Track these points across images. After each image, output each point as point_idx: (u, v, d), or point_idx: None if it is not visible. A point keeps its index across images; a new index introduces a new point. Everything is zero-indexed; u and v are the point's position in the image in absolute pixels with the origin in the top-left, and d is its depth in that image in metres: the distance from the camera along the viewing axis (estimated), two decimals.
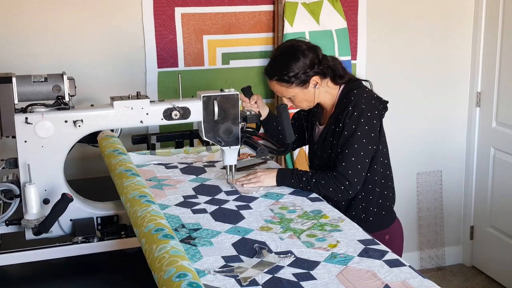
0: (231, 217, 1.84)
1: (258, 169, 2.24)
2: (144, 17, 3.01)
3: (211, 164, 2.38)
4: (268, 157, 2.35)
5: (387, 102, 2.21)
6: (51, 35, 2.89)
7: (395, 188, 2.33)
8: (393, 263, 1.52)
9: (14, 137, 1.79)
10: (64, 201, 1.72)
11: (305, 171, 2.14)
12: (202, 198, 2.00)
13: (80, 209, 1.87)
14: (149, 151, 2.55)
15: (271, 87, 2.20)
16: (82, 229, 1.82)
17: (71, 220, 1.85)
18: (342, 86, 2.19)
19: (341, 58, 3.36)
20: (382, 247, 1.62)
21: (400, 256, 2.26)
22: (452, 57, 3.64)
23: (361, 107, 2.07)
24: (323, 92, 2.17)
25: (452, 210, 3.88)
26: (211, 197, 2.01)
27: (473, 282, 3.73)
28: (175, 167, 2.34)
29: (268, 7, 3.18)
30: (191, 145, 2.77)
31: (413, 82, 3.60)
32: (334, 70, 2.17)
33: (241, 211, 1.89)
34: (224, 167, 2.14)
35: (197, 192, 2.06)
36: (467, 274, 3.82)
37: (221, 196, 2.03)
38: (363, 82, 2.22)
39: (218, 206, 1.93)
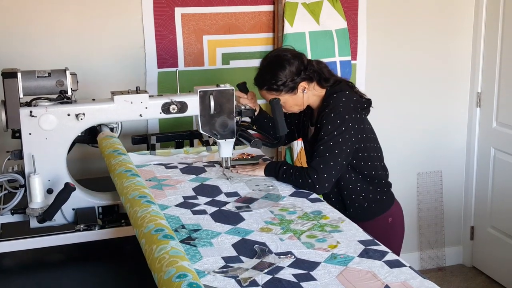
0: (231, 218, 1.84)
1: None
2: (144, 17, 3.01)
3: (211, 164, 2.38)
4: (262, 152, 2.43)
5: (369, 100, 2.28)
6: (53, 35, 2.89)
7: (395, 187, 2.39)
8: (393, 264, 1.52)
9: (18, 131, 1.87)
10: (67, 190, 1.80)
11: (291, 164, 2.22)
12: (202, 199, 2.00)
13: (82, 199, 1.96)
14: (149, 151, 2.55)
15: (261, 95, 2.30)
16: (84, 218, 1.92)
17: (73, 209, 1.94)
18: (326, 89, 2.28)
19: (341, 59, 3.35)
20: (382, 247, 1.62)
21: (402, 237, 2.37)
22: (452, 57, 3.64)
23: (339, 110, 2.17)
24: (311, 95, 2.29)
25: (453, 211, 3.87)
26: (211, 199, 2.01)
27: (473, 282, 3.73)
28: (175, 167, 2.34)
29: (268, 7, 3.18)
30: (191, 145, 2.76)
31: (413, 82, 3.60)
32: (320, 74, 2.27)
33: (241, 213, 1.88)
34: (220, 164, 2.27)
35: (197, 193, 2.06)
36: (467, 275, 3.82)
37: (221, 197, 2.02)
38: (346, 83, 2.30)
39: (218, 208, 1.92)
